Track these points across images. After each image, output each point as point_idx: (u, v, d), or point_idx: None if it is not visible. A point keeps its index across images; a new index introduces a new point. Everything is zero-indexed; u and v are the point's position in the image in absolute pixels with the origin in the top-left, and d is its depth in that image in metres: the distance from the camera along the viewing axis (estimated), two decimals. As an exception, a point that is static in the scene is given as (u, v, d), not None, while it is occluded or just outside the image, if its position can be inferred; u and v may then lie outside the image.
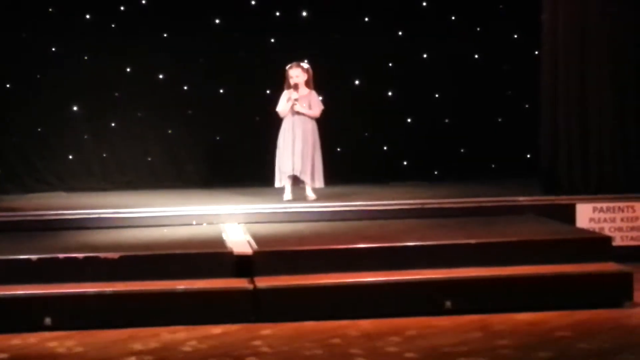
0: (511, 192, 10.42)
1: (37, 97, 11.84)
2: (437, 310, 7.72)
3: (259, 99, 11.71)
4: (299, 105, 10.19)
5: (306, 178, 10.25)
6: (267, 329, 7.37)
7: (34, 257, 7.85)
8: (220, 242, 8.57)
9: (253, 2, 12.27)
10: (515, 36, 12.54)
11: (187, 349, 6.86)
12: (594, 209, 9.90)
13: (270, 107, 10.53)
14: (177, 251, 8.11)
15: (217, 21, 12.23)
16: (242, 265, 7.99)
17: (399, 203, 10.04)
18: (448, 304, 7.77)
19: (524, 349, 6.73)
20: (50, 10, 11.88)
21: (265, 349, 6.83)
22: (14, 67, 11.77)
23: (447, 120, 12.60)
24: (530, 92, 11.42)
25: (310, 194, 10.28)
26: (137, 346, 6.94)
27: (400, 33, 12.51)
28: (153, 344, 6.98)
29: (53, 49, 11.98)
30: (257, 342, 7.01)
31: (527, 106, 12.26)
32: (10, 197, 11.21)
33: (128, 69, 12.15)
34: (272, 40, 12.29)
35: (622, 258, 8.45)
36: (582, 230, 9.55)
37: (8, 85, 11.93)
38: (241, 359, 6.56)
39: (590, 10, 10.30)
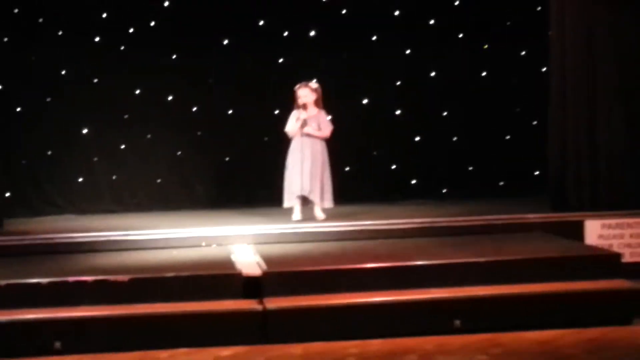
0: (520, 210, 10.42)
1: (47, 120, 11.90)
2: (447, 329, 7.70)
3: (268, 119, 11.75)
4: (309, 128, 10.20)
5: (315, 198, 10.25)
6: (276, 351, 7.34)
7: (44, 280, 7.88)
8: (229, 263, 8.59)
9: (261, 23, 12.32)
10: (523, 53, 12.56)
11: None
12: (603, 226, 9.89)
13: (279, 127, 10.56)
14: (186, 273, 8.13)
15: (226, 42, 12.28)
16: (251, 286, 8.00)
17: (408, 222, 10.05)
18: (457, 323, 7.76)
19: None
20: (59, 33, 11.95)
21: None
22: (24, 89, 11.84)
23: (455, 138, 12.61)
24: (538, 108, 11.43)
25: (319, 214, 10.28)
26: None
27: (408, 51, 12.54)
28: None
29: (63, 72, 12.05)
30: (267, 364, 7.00)
31: (535, 123, 12.27)
32: (19, 220, 11.24)
33: (137, 91, 12.20)
34: (281, 60, 12.33)
35: (631, 274, 8.43)
36: (591, 247, 9.54)
37: (18, 109, 11.98)
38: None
39: (598, 26, 10.33)
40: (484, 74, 12.62)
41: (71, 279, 7.93)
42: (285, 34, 12.35)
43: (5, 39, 11.74)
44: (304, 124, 10.22)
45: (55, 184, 12.02)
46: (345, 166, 12.01)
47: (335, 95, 11.04)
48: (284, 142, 10.45)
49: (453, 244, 9.19)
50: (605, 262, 8.48)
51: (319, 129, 10.29)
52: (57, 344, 7.42)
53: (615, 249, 9.58)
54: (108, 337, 7.52)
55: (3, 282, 7.85)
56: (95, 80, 12.07)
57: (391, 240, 9.59)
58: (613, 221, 9.89)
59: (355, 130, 12.11)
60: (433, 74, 12.60)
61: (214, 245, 9.57)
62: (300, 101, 10.30)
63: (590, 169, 10.34)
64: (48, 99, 12.02)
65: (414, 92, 12.47)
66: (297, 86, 10.41)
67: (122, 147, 12.21)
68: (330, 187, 10.34)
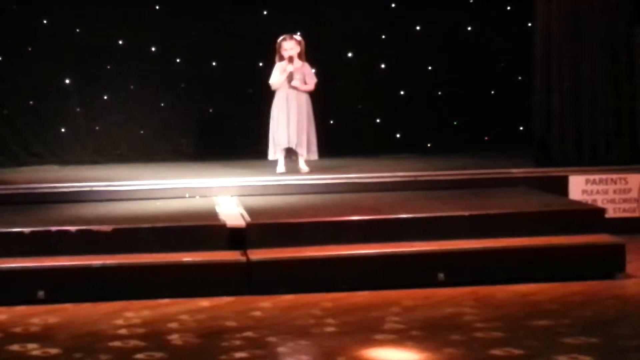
0: (504, 164, 10.42)
1: (28, 70, 11.80)
2: (430, 282, 7.73)
3: (252, 71, 11.69)
4: (296, 81, 10.15)
5: (301, 150, 10.23)
6: (259, 302, 7.37)
7: (26, 230, 7.84)
8: (213, 214, 8.56)
9: (245, -26, 12.22)
10: (508, 8, 12.51)
11: (179, 321, 6.86)
12: (587, 181, 9.90)
13: (263, 79, 10.49)
14: (170, 224, 8.10)
15: (209, -7, 12.18)
16: (235, 237, 7.98)
17: (392, 175, 10.04)
18: (441, 276, 7.78)
19: (516, 320, 6.74)
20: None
21: (257, 322, 6.84)
22: (5, 39, 11.73)
23: (439, 93, 12.59)
24: (523, 64, 11.40)
25: (303, 166, 10.26)
26: (129, 318, 6.93)
27: (393, 5, 12.48)
28: (145, 316, 6.98)
29: (44, 21, 11.93)
30: (250, 314, 7.02)
31: (520, 78, 12.26)
32: (1, 169, 11.19)
33: (120, 42, 12.10)
34: (265, 12, 12.24)
35: (614, 230, 8.45)
36: (574, 202, 9.55)
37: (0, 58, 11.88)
38: (234, 331, 6.57)
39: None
40: (469, 28, 12.57)
41: (54, 228, 7.90)
42: (270, -15, 12.26)
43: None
44: (291, 77, 10.16)
45: (37, 134, 11.95)
46: (330, 120, 11.97)
47: (319, 49, 10.96)
48: (268, 94, 10.39)
49: (437, 198, 9.19)
50: (589, 217, 8.49)
51: (304, 81, 10.24)
52: (40, 293, 7.40)
53: (599, 204, 9.60)
54: (91, 287, 7.51)
55: (-15, 231, 7.82)
56: (78, 30, 11.96)
57: (375, 194, 9.57)
58: (597, 176, 9.90)
59: (339, 84, 12.08)
60: (418, 28, 12.55)
61: (198, 197, 9.55)
62: (287, 54, 10.22)
63: (575, 124, 10.33)
64: (29, 49, 11.89)
65: (398, 46, 12.41)
66: (281, 38, 10.32)
67: (105, 98, 12.12)
68: (315, 139, 10.31)
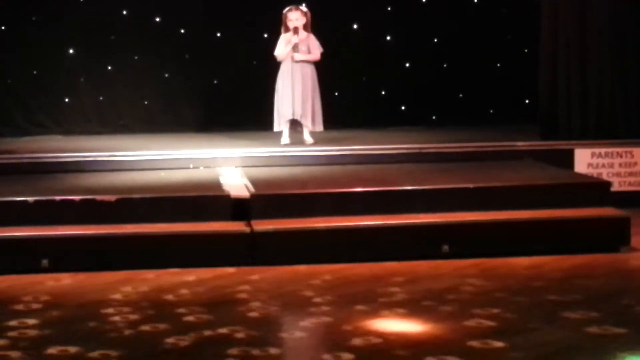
0: (509, 137, 10.39)
1: (33, 40, 11.75)
2: (435, 254, 7.72)
3: (257, 42, 11.63)
4: (299, 54, 10.11)
5: (307, 122, 10.20)
6: (263, 272, 7.37)
7: (30, 199, 7.83)
8: (217, 185, 8.55)
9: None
10: (515, -20, 12.44)
11: (183, 290, 6.86)
12: (593, 154, 9.87)
13: (268, 50, 10.44)
14: (174, 194, 8.10)
15: (215, -36, 12.11)
16: (239, 208, 7.97)
17: (397, 147, 10.01)
18: (445, 248, 7.77)
19: (522, 293, 6.73)
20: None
21: (261, 292, 6.83)
22: (9, 9, 11.66)
23: (445, 65, 12.53)
24: (529, 36, 11.33)
25: (308, 138, 10.23)
26: (133, 288, 6.94)
27: (398, -23, 12.41)
28: (149, 286, 6.99)
29: (48, -9, 11.88)
30: (254, 285, 7.01)
31: (526, 51, 12.19)
32: (5, 139, 11.16)
33: (124, 12, 12.05)
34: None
35: (620, 203, 8.44)
36: (580, 175, 9.53)
37: (2, 27, 11.83)
38: (237, 302, 6.57)
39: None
40: (475, 0, 12.50)
41: (58, 197, 7.90)
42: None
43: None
44: (296, 48, 10.12)
45: (41, 104, 11.91)
46: (335, 91, 11.92)
47: (324, 20, 10.90)
48: (273, 65, 10.34)
49: (442, 170, 9.16)
50: (594, 190, 8.47)
51: (309, 52, 10.20)
52: (45, 262, 7.41)
53: (605, 177, 9.57)
54: (95, 256, 7.52)
55: (-11, 200, 7.82)
56: (81, 0, 11.90)
57: (380, 166, 9.54)
58: (603, 150, 9.87)
59: (345, 56, 12.01)
60: (424, 0, 12.47)
61: (202, 168, 9.53)
62: (292, 24, 10.17)
63: (581, 97, 10.29)
64: (33, 18, 11.84)
65: (404, 19, 12.33)
66: (287, 9, 10.27)
67: (109, 68, 12.08)
68: (321, 111, 10.28)
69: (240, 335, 5.79)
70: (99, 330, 5.93)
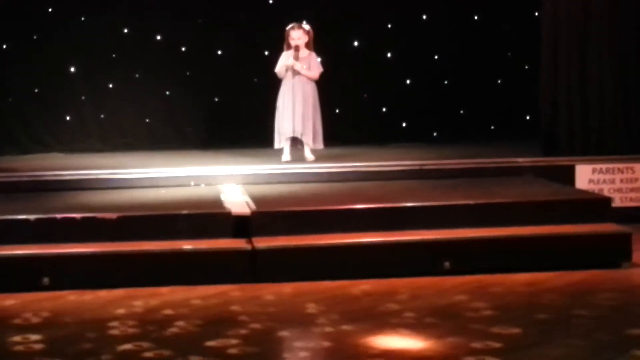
0: (510, 154, 10.39)
1: (34, 57, 11.75)
2: (437, 270, 7.71)
3: (258, 60, 11.64)
4: (298, 64, 10.13)
5: (307, 139, 10.20)
6: (265, 289, 7.36)
7: (31, 217, 7.84)
8: (218, 202, 8.55)
9: (251, -38, 12.17)
10: (516, -3, 12.46)
11: (184, 309, 6.85)
12: (594, 170, 9.87)
13: (269, 68, 10.46)
14: (175, 212, 8.10)
15: (216, -19, 12.13)
16: (240, 225, 7.97)
17: (398, 164, 10.00)
18: (447, 264, 7.76)
19: (522, 309, 6.72)
20: (46, -31, 11.80)
21: (262, 309, 6.82)
22: (11, 27, 11.68)
23: (446, 82, 12.53)
24: (530, 53, 11.34)
25: (309, 155, 10.24)
26: (134, 306, 6.93)
27: (399, -7, 12.43)
28: (150, 304, 6.98)
29: (50, 9, 11.88)
30: (255, 302, 7.00)
31: (527, 67, 12.19)
32: (7, 157, 11.16)
33: (125, 30, 12.06)
34: (270, 0, 12.20)
35: (621, 219, 8.43)
36: (581, 191, 9.52)
37: (4, 46, 11.85)
38: (239, 319, 6.56)
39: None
40: (476, 17, 12.52)
41: (59, 215, 7.90)
42: (276, -26, 12.21)
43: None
44: (294, 70, 10.12)
45: (42, 122, 11.90)
46: (336, 108, 11.93)
47: (326, 37, 10.92)
48: (274, 83, 10.36)
49: (443, 187, 9.16)
50: (596, 206, 8.47)
51: (309, 70, 10.21)
52: (45, 280, 7.40)
53: (606, 193, 9.57)
54: (95, 274, 7.51)
55: (-10, 218, 7.82)
56: (83, 19, 11.92)
57: (381, 182, 9.54)
58: (604, 166, 9.87)
59: (346, 73, 12.00)
60: (424, 17, 12.49)
61: (203, 185, 9.53)
62: (294, 43, 10.19)
63: (582, 113, 10.29)
64: (35, 37, 11.87)
65: (405, 35, 12.35)
66: (290, 27, 10.29)
67: (110, 86, 12.09)
68: (321, 129, 10.29)
69: (241, 353, 5.77)
70: (98, 347, 5.91)
